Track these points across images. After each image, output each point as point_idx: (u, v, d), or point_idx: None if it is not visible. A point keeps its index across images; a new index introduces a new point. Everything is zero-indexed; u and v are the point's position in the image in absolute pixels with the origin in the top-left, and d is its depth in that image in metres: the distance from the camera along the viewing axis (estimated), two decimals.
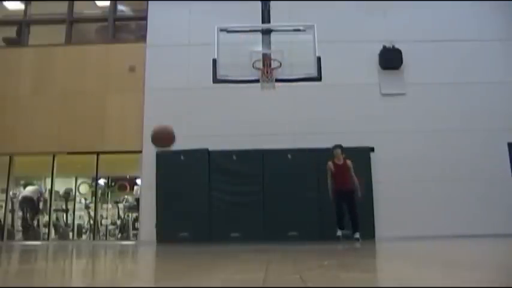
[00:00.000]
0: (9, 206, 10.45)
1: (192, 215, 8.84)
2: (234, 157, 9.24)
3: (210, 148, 9.29)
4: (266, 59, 7.14)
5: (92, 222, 11.02)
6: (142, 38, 10.46)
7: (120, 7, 11.14)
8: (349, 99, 9.66)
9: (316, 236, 8.22)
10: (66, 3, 10.86)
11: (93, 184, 11.16)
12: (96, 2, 11.40)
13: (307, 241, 8.05)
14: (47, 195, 10.59)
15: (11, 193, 10.45)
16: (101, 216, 11.62)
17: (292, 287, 2.23)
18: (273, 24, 7.36)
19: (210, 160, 9.25)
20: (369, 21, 10.02)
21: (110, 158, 10.13)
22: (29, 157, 10.26)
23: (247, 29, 7.38)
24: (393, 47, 9.78)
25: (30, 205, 10.36)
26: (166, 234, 8.87)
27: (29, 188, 10.68)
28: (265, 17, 7.32)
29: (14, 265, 4.13)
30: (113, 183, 12.86)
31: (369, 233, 8.46)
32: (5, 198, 10.29)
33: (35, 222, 10.62)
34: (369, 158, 9.22)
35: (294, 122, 9.46)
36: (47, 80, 10.23)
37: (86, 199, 12.15)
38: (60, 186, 11.68)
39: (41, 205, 10.46)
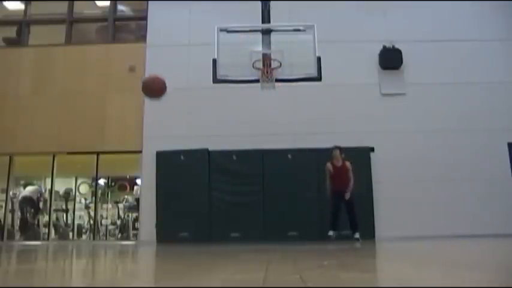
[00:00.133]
0: (9, 206, 10.45)
1: (192, 215, 8.84)
2: (234, 157, 9.24)
3: (210, 148, 9.29)
4: (266, 59, 7.13)
5: (92, 222, 11.01)
6: (142, 38, 10.45)
7: (120, 7, 11.13)
8: (349, 99, 9.66)
9: (316, 236, 8.22)
10: (66, 3, 10.86)
11: (93, 184, 11.16)
12: (96, 2, 11.40)
13: (307, 241, 8.05)
14: (47, 195, 10.58)
15: (11, 193, 10.45)
16: (101, 216, 11.62)
17: (292, 287, 2.22)
18: (273, 24, 7.35)
19: (210, 160, 9.24)
20: (369, 21, 10.02)
21: (109, 158, 10.13)
22: (29, 157, 10.26)
23: (247, 29, 7.37)
24: (393, 47, 9.78)
25: (30, 205, 10.36)
26: (166, 234, 8.87)
27: (29, 188, 10.68)
28: (265, 17, 7.32)
29: (13, 265, 4.13)
30: (113, 183, 12.86)
31: (369, 233, 8.46)
32: (5, 198, 10.29)
33: (35, 222, 10.61)
34: (369, 158, 9.22)
35: (294, 122, 9.46)
36: (47, 80, 10.23)
37: (86, 199, 12.15)
38: (60, 186, 11.68)
39: (41, 205, 10.46)
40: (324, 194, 7.86)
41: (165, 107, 9.60)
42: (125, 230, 11.77)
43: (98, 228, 10.95)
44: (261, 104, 9.32)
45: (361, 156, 8.95)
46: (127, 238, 11.24)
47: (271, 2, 7.40)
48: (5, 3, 11.31)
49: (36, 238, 10.28)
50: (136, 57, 10.05)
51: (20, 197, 10.50)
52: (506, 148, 9.43)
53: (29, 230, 10.42)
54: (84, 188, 12.29)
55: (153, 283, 2.66)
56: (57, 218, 11.31)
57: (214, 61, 6.97)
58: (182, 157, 9.20)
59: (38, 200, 10.43)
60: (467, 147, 9.35)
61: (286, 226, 8.74)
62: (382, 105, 9.68)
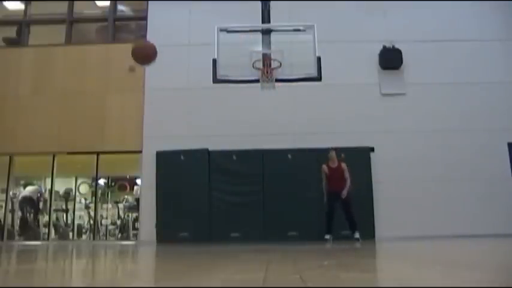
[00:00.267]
0: (9, 206, 10.45)
1: (192, 215, 8.84)
2: (234, 157, 9.24)
3: (210, 148, 9.29)
4: (266, 59, 7.13)
5: (92, 222, 11.01)
6: (142, 38, 10.45)
7: (120, 7, 11.13)
8: (349, 99, 9.66)
9: (316, 236, 8.21)
10: (66, 3, 10.86)
11: (93, 184, 11.15)
12: (96, 2, 11.40)
13: (307, 241, 8.06)
14: (47, 195, 10.58)
15: (11, 193, 10.44)
16: (101, 216, 11.61)
17: (292, 287, 2.22)
18: (273, 24, 7.35)
19: (210, 160, 9.24)
20: (369, 21, 10.02)
21: (109, 158, 10.13)
22: (29, 157, 10.26)
23: (247, 29, 7.37)
24: (393, 47, 9.78)
25: (30, 205, 10.36)
26: (166, 234, 8.87)
27: (29, 188, 10.68)
28: (265, 17, 7.31)
29: (13, 265, 4.13)
30: (112, 183, 12.85)
31: (368, 233, 8.47)
32: (5, 198, 10.29)
33: (35, 222, 10.61)
34: (369, 158, 9.22)
35: (294, 122, 9.46)
36: (47, 80, 10.23)
37: (86, 199, 12.14)
38: (60, 186, 11.67)
39: (41, 205, 10.46)
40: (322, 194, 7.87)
41: (165, 107, 9.64)
42: (124, 230, 11.76)
43: (98, 228, 10.94)
44: (261, 104, 9.32)
45: (361, 156, 8.95)
46: (127, 238, 11.23)
47: (271, 2, 7.40)
48: (5, 3, 11.31)
49: (36, 238, 10.27)
50: None
51: (20, 197, 10.50)
52: (506, 148, 9.44)
53: (29, 230, 10.42)
54: (84, 188, 12.28)
55: (153, 283, 2.66)
56: (57, 218, 11.30)
57: (214, 61, 6.97)
58: (182, 157, 9.20)
59: (38, 200, 10.43)
60: (467, 147, 9.35)
61: (286, 226, 8.74)
62: (382, 105, 9.68)
